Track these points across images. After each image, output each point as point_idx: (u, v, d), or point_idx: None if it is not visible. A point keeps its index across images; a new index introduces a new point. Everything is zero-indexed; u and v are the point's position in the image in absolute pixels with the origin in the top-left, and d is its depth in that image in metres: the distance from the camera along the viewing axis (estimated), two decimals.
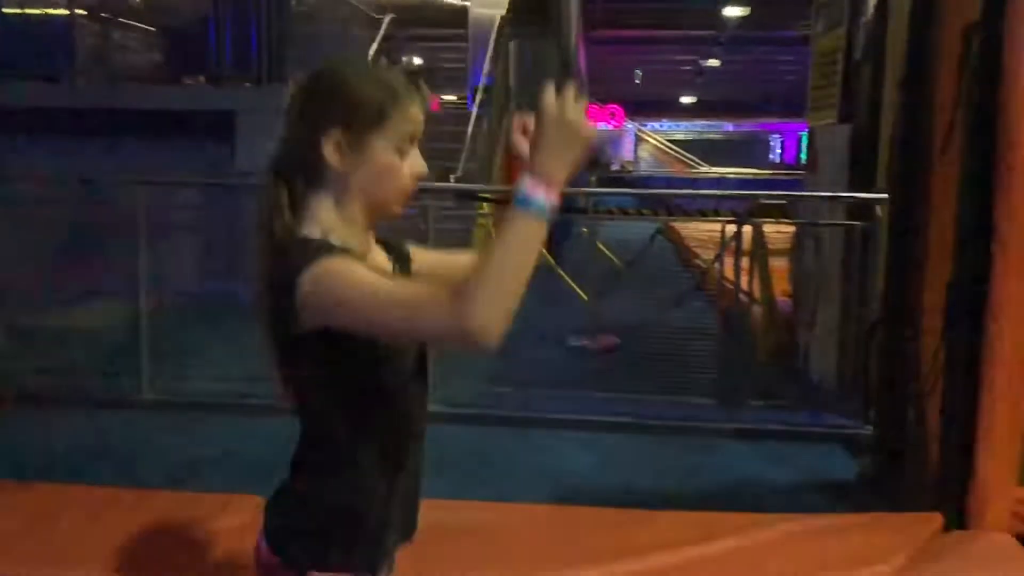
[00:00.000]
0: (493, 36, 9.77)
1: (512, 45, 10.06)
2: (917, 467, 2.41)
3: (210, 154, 5.94)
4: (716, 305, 4.63)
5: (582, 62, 18.37)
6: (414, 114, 1.12)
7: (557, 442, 3.30)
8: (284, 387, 1.16)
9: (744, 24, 17.92)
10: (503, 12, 11.02)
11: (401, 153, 1.12)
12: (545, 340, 4.72)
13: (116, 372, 3.91)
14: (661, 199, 9.98)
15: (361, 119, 1.09)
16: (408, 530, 1.26)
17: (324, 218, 1.10)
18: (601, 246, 5.57)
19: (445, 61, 16.62)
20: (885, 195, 3.03)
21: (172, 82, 6.94)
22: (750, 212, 4.54)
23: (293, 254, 1.03)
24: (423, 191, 4.61)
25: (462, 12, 13.57)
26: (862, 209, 3.53)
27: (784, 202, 5.33)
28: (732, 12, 17.37)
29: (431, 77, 13.11)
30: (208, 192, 5.71)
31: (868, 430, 3.06)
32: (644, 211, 7.04)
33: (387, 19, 10.28)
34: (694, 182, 18.67)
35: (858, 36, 3.80)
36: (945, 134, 2.42)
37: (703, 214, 6.06)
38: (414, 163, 1.14)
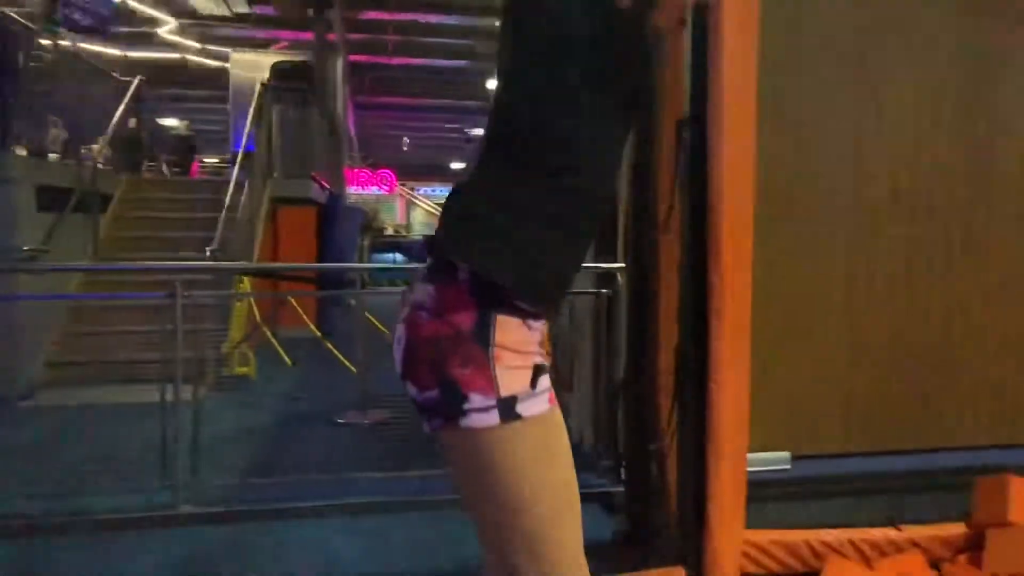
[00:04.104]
0: (255, 101, 9.52)
1: (275, 110, 9.86)
2: (662, 523, 2.58)
3: None
4: None
5: (352, 127, 18.42)
6: None
7: (323, 531, 3.15)
8: (510, 84, 1.14)
9: None
10: (265, 76, 10.79)
11: None
12: (312, 419, 4.55)
13: None
14: None
15: None
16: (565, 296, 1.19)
17: None
18: (370, 317, 5.52)
19: (205, 124, 15.89)
20: (623, 265, 3.30)
21: None
22: None
23: None
24: (174, 271, 4.31)
25: (222, 74, 13.13)
26: (607, 277, 3.81)
27: None
28: (494, 85, 18.38)
29: (191, 140, 12.45)
30: None
31: (621, 489, 3.24)
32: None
33: (136, 80, 9.67)
34: None
35: None
36: (666, 214, 2.69)
37: None
38: None
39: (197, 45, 14.75)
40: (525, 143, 1.13)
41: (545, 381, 1.14)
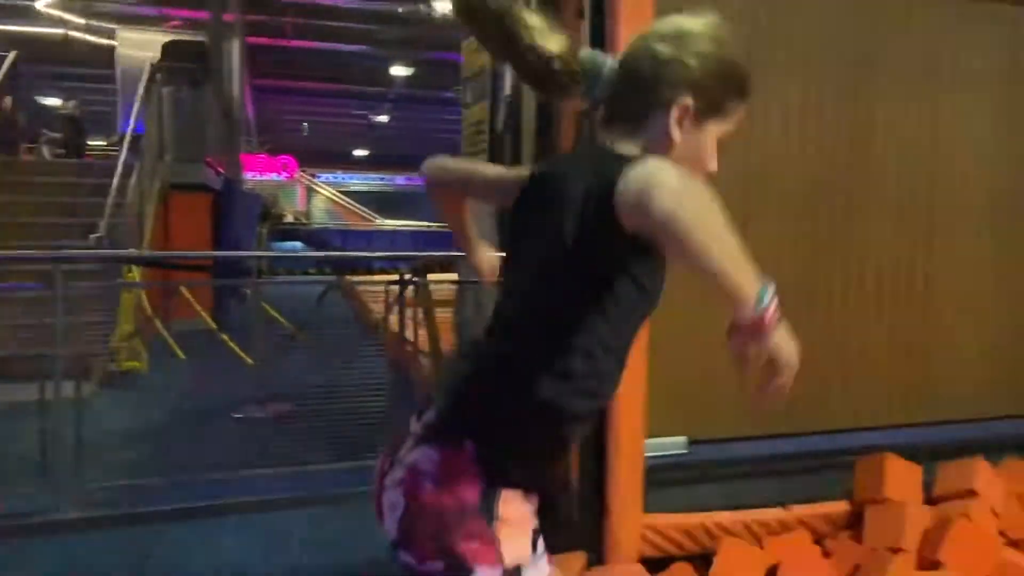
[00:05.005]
0: (144, 81, 9.06)
1: (167, 91, 9.42)
2: (566, 510, 2.62)
3: None
4: (388, 359, 4.67)
5: (250, 111, 17.82)
6: (740, 115, 1.18)
7: (220, 531, 3.04)
8: (546, 282, 1.11)
9: (411, 83, 18.82)
10: (155, 56, 10.31)
11: (718, 144, 1.17)
12: (208, 415, 4.38)
13: None
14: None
15: (720, 100, 1.14)
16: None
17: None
18: (268, 307, 5.36)
19: (90, 104, 15.04)
20: None
21: None
22: (415, 269, 4.68)
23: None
24: (56, 260, 4.07)
25: (109, 52, 12.45)
26: None
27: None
28: (399, 71, 18.15)
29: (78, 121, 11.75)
30: None
31: None
32: (311, 271, 6.97)
33: (11, 56, 9.07)
34: (369, 234, 18.95)
35: (500, 110, 4.14)
36: None
37: (370, 271, 6.15)
38: (716, 158, 1.18)
39: (81, 21, 13.93)
40: (551, 340, 1.12)
41: (542, 543, 1.16)
